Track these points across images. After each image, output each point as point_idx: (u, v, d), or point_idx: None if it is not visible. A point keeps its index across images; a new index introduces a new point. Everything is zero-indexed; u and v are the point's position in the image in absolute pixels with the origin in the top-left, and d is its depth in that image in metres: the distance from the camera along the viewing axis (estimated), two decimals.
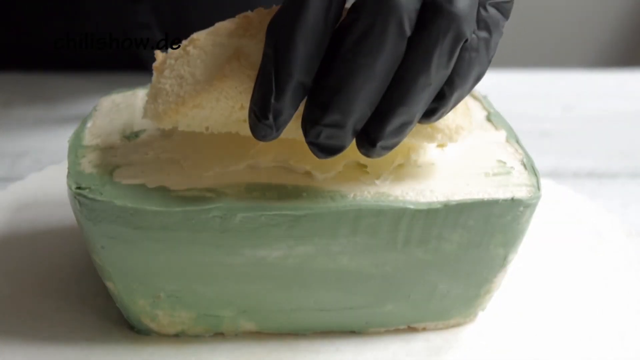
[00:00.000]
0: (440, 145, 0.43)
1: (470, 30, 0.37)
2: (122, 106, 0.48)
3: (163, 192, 0.41)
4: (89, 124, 0.47)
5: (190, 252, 0.42)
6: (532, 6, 1.51)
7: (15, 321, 0.46)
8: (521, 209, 0.42)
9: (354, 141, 0.38)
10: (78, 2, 0.75)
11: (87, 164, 0.43)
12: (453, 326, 0.47)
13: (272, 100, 0.36)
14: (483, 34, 0.38)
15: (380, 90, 0.37)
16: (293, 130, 0.39)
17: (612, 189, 0.63)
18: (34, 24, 0.77)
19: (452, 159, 0.44)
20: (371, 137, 0.38)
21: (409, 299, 0.45)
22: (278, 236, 0.41)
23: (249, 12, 0.42)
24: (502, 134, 0.47)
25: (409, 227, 0.41)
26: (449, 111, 0.39)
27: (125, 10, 0.74)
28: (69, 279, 0.49)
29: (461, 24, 0.36)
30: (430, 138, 0.41)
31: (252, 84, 0.39)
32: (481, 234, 0.42)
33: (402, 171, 0.43)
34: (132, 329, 0.46)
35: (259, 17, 0.41)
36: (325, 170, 0.42)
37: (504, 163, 0.44)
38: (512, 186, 0.42)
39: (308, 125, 0.37)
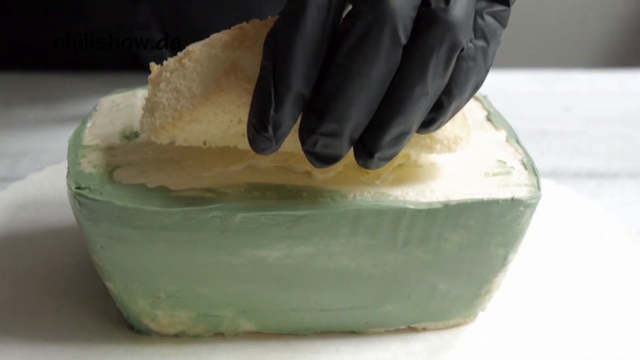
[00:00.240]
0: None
1: (466, 39, 0.37)
2: (122, 106, 0.48)
3: (163, 192, 0.41)
4: (89, 124, 0.47)
5: (190, 252, 0.42)
6: (532, 6, 1.51)
7: (15, 321, 0.46)
8: (521, 209, 0.42)
9: None
10: (78, 2, 0.75)
11: (87, 164, 0.43)
12: (453, 326, 0.47)
13: (272, 113, 0.36)
14: (480, 42, 0.38)
15: (376, 98, 0.37)
16: (292, 142, 0.39)
17: (612, 189, 0.63)
18: (34, 24, 0.77)
19: (452, 159, 0.44)
20: (368, 148, 0.38)
21: (409, 299, 0.45)
22: (278, 236, 0.41)
23: (244, 24, 0.42)
24: (502, 134, 0.47)
25: (409, 227, 0.41)
26: (447, 121, 0.39)
27: (125, 10, 0.74)
28: (69, 279, 0.49)
29: (457, 33, 0.36)
30: (429, 149, 0.41)
31: (250, 98, 0.39)
32: (481, 234, 0.42)
33: (402, 171, 0.43)
34: (132, 329, 0.46)
35: (254, 29, 0.41)
36: (325, 170, 0.42)
37: (504, 163, 0.44)
38: (512, 186, 0.42)
39: (305, 133, 0.37)
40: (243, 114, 0.40)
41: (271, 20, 0.42)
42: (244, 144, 0.40)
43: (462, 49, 0.37)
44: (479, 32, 0.38)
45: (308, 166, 0.42)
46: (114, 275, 0.43)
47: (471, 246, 0.43)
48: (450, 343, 0.46)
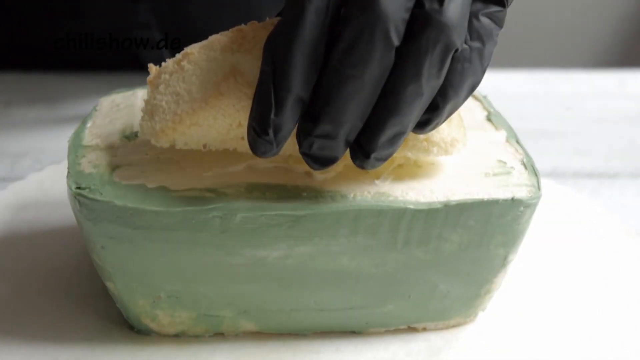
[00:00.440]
0: None
1: (460, 40, 0.37)
2: (122, 106, 0.48)
3: (163, 192, 0.41)
4: (89, 124, 0.47)
5: (190, 252, 0.42)
6: (532, 6, 1.51)
7: (15, 321, 0.46)
8: (521, 209, 0.42)
9: None
10: (78, 2, 0.75)
11: (87, 164, 0.43)
12: (453, 326, 0.47)
13: (272, 116, 0.37)
14: (476, 44, 0.38)
15: (371, 100, 0.37)
16: (292, 145, 0.39)
17: (612, 189, 0.63)
18: (34, 24, 0.77)
19: (452, 159, 0.44)
20: (364, 149, 0.38)
21: (409, 299, 0.45)
22: (278, 236, 0.41)
23: (242, 26, 0.42)
24: (502, 134, 0.47)
25: (409, 227, 0.41)
26: (443, 122, 0.39)
27: (125, 10, 0.74)
28: (69, 279, 0.49)
29: (451, 34, 0.36)
30: (426, 151, 0.41)
31: (249, 102, 0.39)
32: (481, 234, 0.42)
33: (402, 171, 0.43)
34: (132, 329, 0.46)
35: (253, 31, 0.41)
36: (325, 170, 0.42)
37: (504, 163, 0.44)
38: (512, 186, 0.42)
39: (301, 136, 0.38)
40: (243, 117, 0.40)
41: (269, 22, 0.42)
42: (244, 147, 0.40)
43: (457, 50, 0.37)
44: (475, 34, 0.38)
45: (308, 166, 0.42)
46: (114, 275, 0.43)
47: (471, 246, 0.43)
48: (450, 343, 0.46)
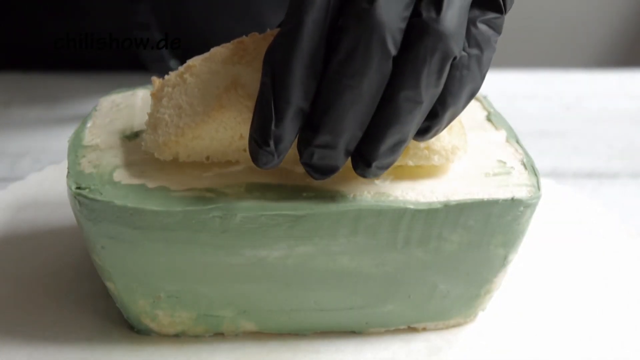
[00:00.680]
0: None
1: (459, 48, 0.37)
2: (122, 106, 0.48)
3: (163, 192, 0.41)
4: (89, 124, 0.47)
5: (190, 252, 0.42)
6: (532, 6, 1.51)
7: (15, 321, 0.46)
8: (521, 209, 0.42)
9: None
10: (78, 2, 0.75)
11: (87, 164, 0.43)
12: (453, 326, 0.47)
13: (273, 127, 0.37)
14: (474, 51, 0.38)
15: (370, 110, 0.37)
16: (292, 155, 0.39)
17: (612, 189, 0.63)
18: (34, 24, 0.77)
19: None
20: (366, 158, 0.38)
21: (409, 299, 0.45)
22: (278, 236, 0.41)
23: (243, 38, 0.42)
24: (502, 134, 0.47)
25: (409, 227, 0.41)
26: (443, 129, 0.40)
27: (125, 10, 0.74)
28: (69, 279, 0.49)
29: (449, 43, 0.36)
30: (427, 160, 0.42)
31: (250, 114, 0.39)
32: (481, 234, 0.42)
33: (402, 171, 0.43)
34: (132, 329, 0.46)
35: (254, 43, 0.42)
36: None
37: (504, 163, 0.44)
38: (512, 186, 0.42)
39: (302, 146, 0.38)
40: (244, 130, 0.40)
41: (270, 34, 0.42)
42: (246, 159, 0.41)
43: (455, 58, 0.37)
44: (473, 41, 0.38)
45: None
46: (114, 275, 0.43)
47: (471, 246, 0.43)
48: (450, 343, 0.46)
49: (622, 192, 0.63)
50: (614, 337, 0.46)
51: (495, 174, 0.43)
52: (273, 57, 0.37)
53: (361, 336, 0.46)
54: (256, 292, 0.44)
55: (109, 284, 0.44)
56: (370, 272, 0.43)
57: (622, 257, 0.52)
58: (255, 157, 0.38)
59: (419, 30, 0.36)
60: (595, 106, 0.78)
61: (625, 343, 0.46)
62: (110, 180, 0.42)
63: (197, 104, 0.41)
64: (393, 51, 0.36)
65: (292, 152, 0.39)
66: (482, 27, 0.39)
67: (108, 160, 0.43)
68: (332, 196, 0.41)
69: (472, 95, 0.39)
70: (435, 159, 0.42)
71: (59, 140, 0.66)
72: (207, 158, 0.42)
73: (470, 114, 0.48)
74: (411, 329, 0.46)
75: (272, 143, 0.37)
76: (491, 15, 0.39)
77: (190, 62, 0.42)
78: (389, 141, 0.37)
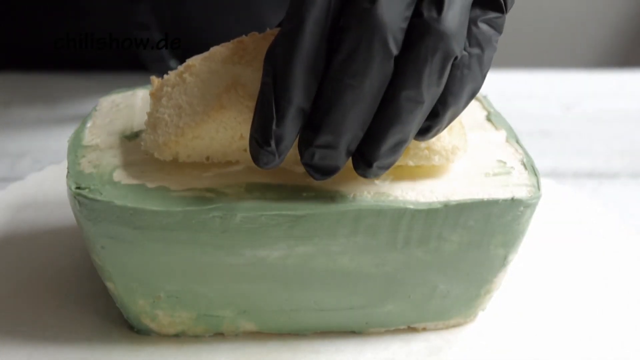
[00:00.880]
0: None
1: (460, 48, 0.37)
2: (122, 106, 0.48)
3: (163, 192, 0.41)
4: (89, 124, 0.47)
5: (190, 252, 0.42)
6: (532, 6, 1.51)
7: (16, 321, 0.46)
8: (521, 209, 0.42)
9: None
10: (78, 2, 0.75)
11: (87, 164, 0.43)
12: (453, 326, 0.47)
13: (274, 127, 0.37)
14: (475, 50, 0.38)
15: (371, 110, 0.37)
16: (293, 156, 0.39)
17: (612, 189, 0.63)
18: (34, 24, 0.77)
19: None
20: (367, 158, 0.38)
21: (409, 299, 0.45)
22: (278, 236, 0.41)
23: (243, 37, 0.42)
24: (502, 134, 0.47)
25: (409, 227, 0.41)
26: (444, 128, 0.40)
27: (125, 10, 0.74)
28: (69, 279, 0.49)
29: (450, 42, 0.36)
30: (428, 160, 0.42)
31: (251, 114, 0.39)
32: (481, 234, 0.42)
33: (402, 171, 0.43)
34: (132, 329, 0.46)
35: (254, 43, 0.42)
36: None
37: (504, 163, 0.44)
38: (512, 186, 0.42)
39: (303, 146, 0.38)
40: (245, 130, 0.40)
41: (270, 33, 0.42)
42: (246, 159, 0.41)
43: (456, 58, 0.37)
44: (474, 40, 0.38)
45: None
46: (114, 275, 0.43)
47: (471, 246, 0.43)
48: (450, 343, 0.46)
49: (622, 192, 0.63)
50: (614, 337, 0.46)
51: (495, 174, 0.43)
52: (274, 57, 0.37)
53: (361, 336, 0.46)
54: (256, 292, 0.44)
55: (109, 284, 0.44)
56: (370, 272, 0.43)
57: (622, 257, 0.52)
58: (256, 157, 0.38)
59: (421, 30, 0.36)
60: (595, 106, 0.78)
61: (625, 343, 0.46)
62: (110, 180, 0.42)
63: (197, 104, 0.41)
64: (394, 51, 0.36)
65: (292, 152, 0.39)
66: (483, 26, 0.39)
67: (108, 160, 0.43)
68: (332, 196, 0.41)
69: (473, 94, 0.39)
70: (436, 159, 0.42)
71: (59, 140, 0.66)
72: (207, 158, 0.42)
73: (470, 114, 0.48)
74: (411, 329, 0.46)
75: (273, 143, 0.37)
76: (492, 14, 0.39)
77: (189, 61, 0.42)
78: (390, 141, 0.38)
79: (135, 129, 0.46)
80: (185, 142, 0.41)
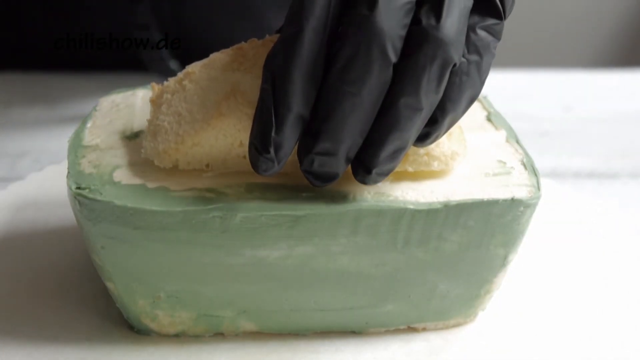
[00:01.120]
0: None
1: (458, 55, 0.37)
2: (122, 106, 0.48)
3: (163, 192, 0.41)
4: (89, 124, 0.47)
5: (190, 252, 0.42)
6: (532, 6, 1.51)
7: (15, 321, 0.46)
8: (521, 209, 0.42)
9: None
10: (78, 2, 0.75)
11: (87, 164, 0.43)
12: (453, 326, 0.47)
13: (273, 134, 0.37)
14: (474, 57, 0.38)
15: (370, 117, 0.37)
16: (292, 163, 0.39)
17: (612, 189, 0.63)
18: (34, 24, 0.77)
19: None
20: (366, 165, 0.38)
21: (409, 299, 0.45)
22: (278, 236, 0.41)
23: (242, 44, 0.42)
24: (502, 134, 0.47)
25: (409, 227, 0.41)
26: (443, 134, 0.40)
27: (125, 10, 0.74)
28: (69, 279, 0.49)
29: (448, 50, 0.36)
30: (427, 166, 0.42)
31: (250, 122, 0.39)
32: (481, 234, 0.42)
33: (402, 173, 0.43)
34: (132, 329, 0.46)
35: (253, 50, 0.42)
36: None
37: (504, 163, 0.44)
38: (512, 186, 0.42)
39: (302, 153, 0.38)
40: (244, 137, 0.40)
41: (269, 40, 0.42)
42: (246, 166, 0.41)
43: (455, 65, 0.37)
44: (472, 47, 0.38)
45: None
46: (114, 275, 0.43)
47: (471, 246, 0.43)
48: (450, 343, 0.46)
49: (622, 192, 0.63)
50: (614, 337, 0.46)
51: (495, 174, 0.43)
52: (273, 64, 0.37)
53: (361, 336, 0.46)
54: (256, 292, 0.44)
55: (109, 284, 0.44)
56: (370, 272, 0.43)
57: (622, 257, 0.52)
58: (255, 164, 0.38)
59: (419, 37, 0.36)
60: (595, 106, 0.78)
61: (625, 343, 0.46)
62: (110, 180, 0.42)
63: (196, 112, 0.41)
64: (393, 58, 0.36)
65: (291, 158, 0.39)
66: (481, 33, 0.39)
67: (108, 160, 0.43)
68: (332, 196, 0.41)
69: (472, 101, 0.39)
70: (435, 165, 0.42)
71: (59, 140, 0.66)
72: (207, 165, 0.42)
73: (470, 114, 0.48)
74: (411, 329, 0.46)
75: (272, 150, 0.37)
76: (491, 21, 0.39)
77: (189, 68, 0.42)
78: (389, 148, 0.38)
79: (135, 129, 0.46)
80: (185, 149, 0.41)
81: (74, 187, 0.41)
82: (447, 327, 0.47)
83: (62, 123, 0.70)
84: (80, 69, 0.78)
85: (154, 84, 0.44)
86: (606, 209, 0.57)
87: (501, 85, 0.79)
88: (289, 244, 0.41)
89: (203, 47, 0.44)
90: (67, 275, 0.49)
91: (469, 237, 0.42)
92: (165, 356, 0.44)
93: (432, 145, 0.41)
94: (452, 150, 0.42)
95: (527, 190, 0.42)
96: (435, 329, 0.46)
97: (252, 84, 0.40)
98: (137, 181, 0.41)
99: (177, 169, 0.42)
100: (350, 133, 0.37)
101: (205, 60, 0.42)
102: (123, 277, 0.43)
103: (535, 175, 0.43)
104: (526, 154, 0.45)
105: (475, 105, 0.50)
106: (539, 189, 0.42)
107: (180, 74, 0.42)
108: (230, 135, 0.41)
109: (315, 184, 0.39)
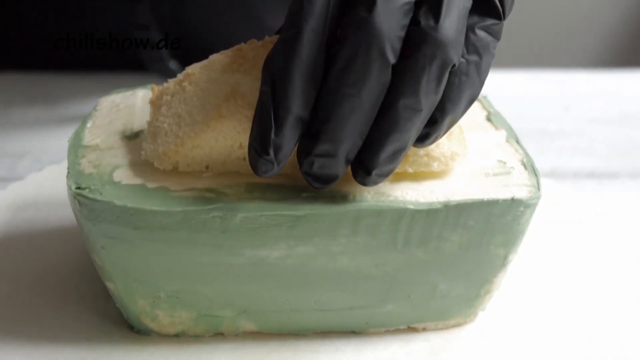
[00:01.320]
0: None
1: (457, 56, 0.37)
2: (122, 106, 0.48)
3: (163, 192, 0.41)
4: (89, 124, 0.47)
5: (190, 252, 0.42)
6: (532, 6, 1.51)
7: (15, 321, 0.46)
8: (521, 209, 0.42)
9: None
10: (78, 2, 0.75)
11: (87, 164, 0.43)
12: (453, 326, 0.47)
13: (272, 136, 0.37)
14: (473, 57, 0.38)
15: (369, 118, 0.37)
16: (292, 164, 0.39)
17: (612, 189, 0.63)
18: (34, 24, 0.77)
19: None
20: (366, 166, 0.38)
21: (409, 299, 0.45)
22: (278, 236, 0.41)
23: (242, 45, 0.42)
24: (502, 134, 0.47)
25: (409, 227, 0.41)
26: (442, 135, 0.40)
27: (125, 10, 0.74)
28: (69, 279, 0.49)
29: (447, 51, 0.36)
30: (427, 166, 0.42)
31: (250, 124, 0.39)
32: (481, 234, 0.42)
33: (402, 173, 0.43)
34: (132, 329, 0.46)
35: (253, 51, 0.42)
36: None
37: (504, 163, 0.44)
38: (512, 186, 0.42)
39: (302, 155, 0.38)
40: (244, 139, 0.40)
41: (268, 41, 0.42)
42: (245, 168, 0.41)
43: (454, 66, 0.37)
44: (472, 47, 0.38)
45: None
46: (114, 275, 0.43)
47: (471, 246, 0.43)
48: (451, 343, 0.46)
49: (622, 192, 0.63)
50: (614, 337, 0.46)
51: (495, 174, 0.43)
52: (272, 65, 0.37)
53: (361, 336, 0.46)
54: (256, 292, 0.44)
55: (109, 284, 0.44)
56: (370, 272, 0.43)
57: (622, 257, 0.52)
58: (255, 165, 0.38)
59: (418, 38, 0.36)
60: (595, 106, 0.78)
61: (625, 343, 0.46)
62: (110, 180, 0.42)
63: (196, 113, 0.41)
64: (392, 59, 0.36)
65: (291, 159, 0.39)
66: (480, 33, 0.39)
67: (108, 160, 0.43)
68: (332, 196, 0.41)
69: (471, 101, 0.39)
70: (435, 166, 0.42)
71: (59, 140, 0.66)
72: (207, 167, 0.42)
73: (470, 114, 0.48)
74: (411, 329, 0.46)
75: (271, 152, 0.37)
76: (490, 21, 0.39)
77: (189, 69, 0.42)
78: (388, 149, 0.38)
79: (135, 129, 0.46)
80: (184, 151, 0.41)
81: (74, 187, 0.41)
82: (447, 327, 0.47)
83: (62, 123, 0.70)
84: (80, 69, 0.78)
85: (153, 85, 0.44)
86: (606, 209, 0.57)
87: (501, 85, 0.79)
88: (289, 244, 0.41)
89: (203, 48, 0.44)
90: (67, 275, 0.49)
91: (469, 237, 0.42)
92: (165, 356, 0.44)
93: (432, 146, 0.41)
94: (452, 150, 0.42)
95: (527, 190, 0.42)
96: (436, 329, 0.46)
97: (251, 86, 0.41)
98: (137, 181, 0.41)
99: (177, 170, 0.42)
100: (349, 134, 0.37)
101: (204, 62, 0.42)
102: (123, 277, 0.43)
103: (535, 175, 0.43)
104: (526, 154, 0.45)
105: (475, 105, 0.49)
106: (539, 189, 0.42)
107: (179, 76, 0.42)
108: (230, 138, 0.41)
109: (315, 186, 0.39)
